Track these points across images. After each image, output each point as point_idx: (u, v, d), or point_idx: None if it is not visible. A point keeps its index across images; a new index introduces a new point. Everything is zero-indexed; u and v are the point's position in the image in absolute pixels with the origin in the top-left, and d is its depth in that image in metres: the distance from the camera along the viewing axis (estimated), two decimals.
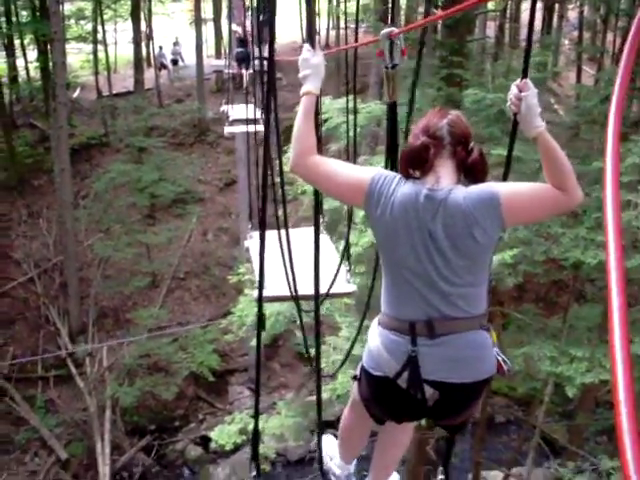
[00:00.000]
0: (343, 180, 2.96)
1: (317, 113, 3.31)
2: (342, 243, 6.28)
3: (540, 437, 12.99)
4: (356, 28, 6.08)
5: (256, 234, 6.55)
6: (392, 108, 3.34)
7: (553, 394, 12.56)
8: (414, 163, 2.90)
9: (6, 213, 23.62)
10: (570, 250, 9.08)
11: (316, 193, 3.75)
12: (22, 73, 29.28)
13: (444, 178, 2.87)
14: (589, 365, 9.26)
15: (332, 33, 34.15)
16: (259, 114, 9.74)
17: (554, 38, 19.19)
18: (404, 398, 2.96)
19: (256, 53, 12.94)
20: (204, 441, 17.76)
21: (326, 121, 10.07)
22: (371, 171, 2.98)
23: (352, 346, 5.41)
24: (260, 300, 4.15)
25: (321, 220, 3.98)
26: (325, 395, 10.83)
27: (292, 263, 4.31)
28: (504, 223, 2.81)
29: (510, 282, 9.98)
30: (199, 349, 19.34)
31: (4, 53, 27.75)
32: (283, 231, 4.41)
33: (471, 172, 2.91)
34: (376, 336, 3.02)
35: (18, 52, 28.33)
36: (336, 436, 4.01)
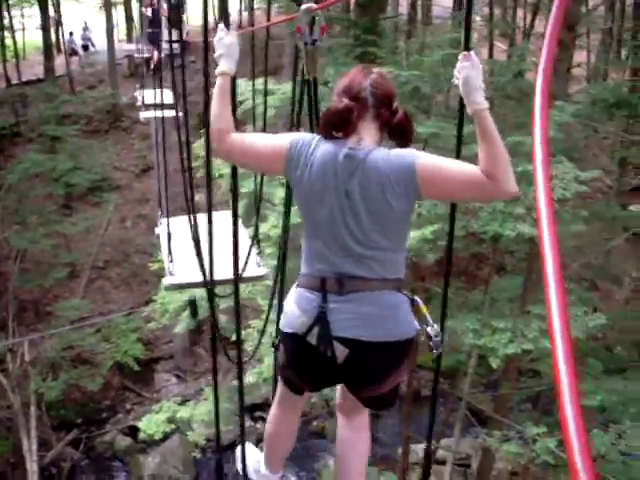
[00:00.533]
0: (262, 150, 2.95)
1: (234, 94, 3.28)
2: (263, 227, 6.25)
3: (466, 408, 13.21)
4: (268, 7, 6.08)
5: (165, 220, 6.52)
6: (312, 84, 3.33)
7: (477, 366, 12.78)
8: (336, 125, 2.88)
9: None
10: (489, 223, 9.21)
11: (234, 175, 3.70)
12: None
13: (366, 139, 2.86)
14: (511, 336, 9.43)
15: (245, 14, 33.89)
16: (172, 98, 9.61)
17: (466, 14, 19.35)
18: (315, 357, 2.94)
19: (167, 36, 12.78)
20: (132, 431, 17.57)
21: (242, 103, 9.98)
22: (289, 136, 2.99)
23: (265, 323, 5.38)
24: (212, 283, 4.08)
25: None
26: (252, 378, 10.81)
27: (199, 249, 4.28)
28: (419, 193, 2.78)
29: (431, 257, 10.09)
30: (123, 338, 19.09)
31: None
32: (199, 215, 4.38)
33: (397, 132, 2.92)
34: (291, 297, 3.05)
35: None
36: (260, 443, 3.89)
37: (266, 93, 5.67)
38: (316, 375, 3.10)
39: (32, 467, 15.85)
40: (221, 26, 3.10)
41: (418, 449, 15.45)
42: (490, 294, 11.35)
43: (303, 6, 3.07)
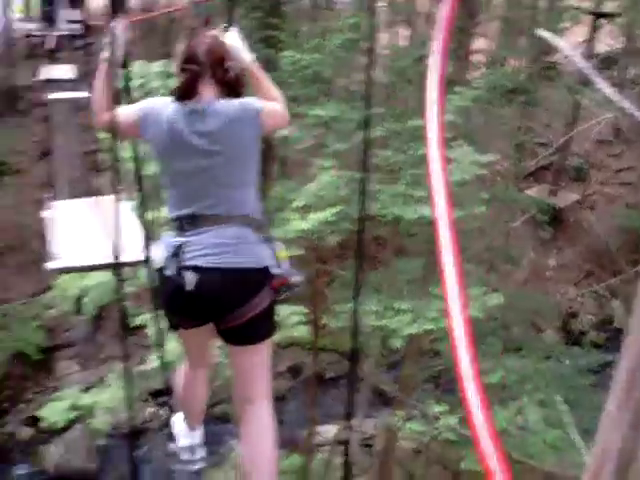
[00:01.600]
0: (126, 120, 3.38)
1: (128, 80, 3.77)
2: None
3: (370, 389, 13.38)
4: None
5: (54, 204, 6.46)
6: (184, 71, 3.59)
7: (380, 347, 12.94)
8: (185, 92, 3.40)
9: None
10: (388, 206, 9.31)
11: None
12: None
13: (205, 97, 3.41)
14: (413, 316, 9.57)
15: None
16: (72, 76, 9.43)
17: None
18: (174, 287, 3.27)
19: (67, 16, 12.53)
20: (34, 421, 17.19)
21: (142, 86, 9.83)
22: (142, 103, 3.50)
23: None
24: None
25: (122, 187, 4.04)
26: (155, 364, 10.71)
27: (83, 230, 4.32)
28: (262, 129, 3.42)
29: (332, 240, 10.16)
30: (22, 326, 18.65)
31: None
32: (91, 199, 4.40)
33: (230, 87, 3.47)
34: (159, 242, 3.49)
35: None
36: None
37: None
38: (180, 307, 3.39)
39: None
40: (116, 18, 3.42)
41: (322, 431, 15.60)
42: (391, 276, 11.49)
43: None
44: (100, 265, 4.58)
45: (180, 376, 3.96)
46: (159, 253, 3.34)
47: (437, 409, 10.60)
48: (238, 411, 3.64)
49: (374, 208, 9.45)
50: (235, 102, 3.41)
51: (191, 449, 4.19)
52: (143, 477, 14.80)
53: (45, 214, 6.89)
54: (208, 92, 3.41)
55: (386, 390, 14.66)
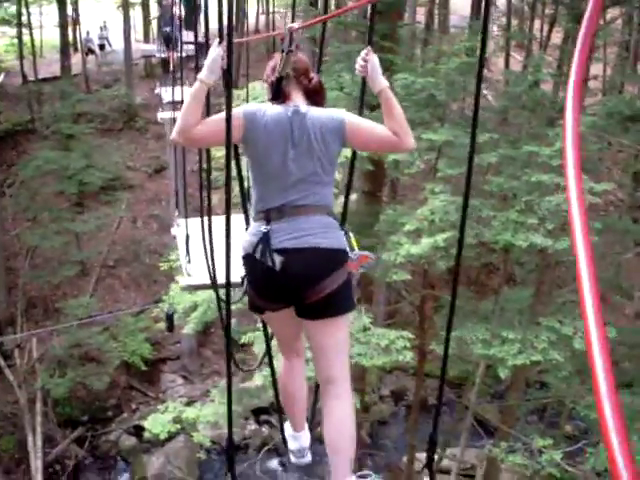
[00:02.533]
0: (222, 125, 3.33)
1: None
2: None
3: (473, 418, 13.16)
4: (293, 11, 6.16)
5: (182, 221, 6.55)
6: (279, 80, 3.74)
7: (485, 376, 12.73)
8: (275, 92, 3.63)
9: None
10: (500, 233, 9.17)
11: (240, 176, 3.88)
12: None
13: (297, 101, 3.64)
14: (520, 347, 9.38)
15: (262, 18, 34.11)
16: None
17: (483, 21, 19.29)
18: (262, 269, 3.51)
19: (185, 37, 12.79)
20: (138, 431, 17.55)
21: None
22: (242, 107, 3.70)
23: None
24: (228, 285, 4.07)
25: (249, 205, 4.14)
26: (259, 382, 10.80)
27: (212, 250, 4.34)
28: (345, 141, 3.64)
29: (442, 265, 10.05)
30: (130, 338, 19.10)
31: None
32: (214, 218, 4.41)
33: (313, 95, 3.71)
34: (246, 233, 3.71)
35: None
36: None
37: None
38: (267, 288, 3.60)
39: (36, 463, 15.90)
40: (216, 40, 3.51)
41: (424, 458, 15.38)
42: (500, 304, 11.29)
43: (288, 25, 3.61)
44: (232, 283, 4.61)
45: (279, 375, 4.15)
46: (246, 240, 3.57)
47: (541, 443, 10.35)
48: (323, 395, 3.75)
49: (487, 235, 9.32)
50: (325, 109, 3.70)
51: (300, 451, 4.40)
52: None
53: (174, 231, 7.01)
54: (297, 98, 3.66)
55: (489, 420, 14.40)
